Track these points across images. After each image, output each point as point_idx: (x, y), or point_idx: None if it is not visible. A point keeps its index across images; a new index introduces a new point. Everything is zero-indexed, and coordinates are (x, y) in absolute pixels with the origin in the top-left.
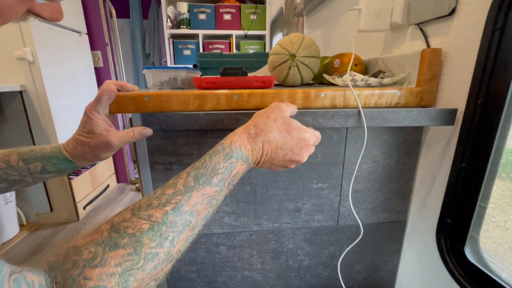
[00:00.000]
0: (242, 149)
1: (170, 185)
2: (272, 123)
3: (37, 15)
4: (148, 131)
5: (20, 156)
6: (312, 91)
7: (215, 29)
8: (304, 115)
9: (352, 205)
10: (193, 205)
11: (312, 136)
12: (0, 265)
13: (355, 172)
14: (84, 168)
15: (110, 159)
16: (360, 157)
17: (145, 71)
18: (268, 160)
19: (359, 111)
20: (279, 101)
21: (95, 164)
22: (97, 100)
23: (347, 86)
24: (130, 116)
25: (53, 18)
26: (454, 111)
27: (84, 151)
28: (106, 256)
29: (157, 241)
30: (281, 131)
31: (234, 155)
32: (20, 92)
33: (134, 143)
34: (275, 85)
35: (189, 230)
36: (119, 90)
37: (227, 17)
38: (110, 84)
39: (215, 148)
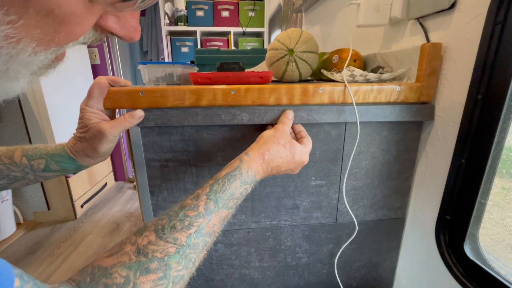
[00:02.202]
0: (256, 176)
1: (192, 206)
2: (282, 149)
3: (111, 33)
4: (139, 112)
5: (24, 152)
6: (310, 86)
7: (213, 26)
8: (299, 111)
9: (347, 202)
10: (211, 227)
11: (307, 156)
12: None
13: (348, 168)
14: None
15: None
16: (353, 152)
17: (140, 67)
18: (268, 175)
19: (353, 106)
20: (278, 98)
21: None
22: (89, 95)
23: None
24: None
25: (129, 36)
26: (432, 107)
27: (83, 146)
28: (138, 282)
29: (182, 264)
30: (288, 156)
31: (249, 181)
32: None
33: (129, 139)
34: (273, 81)
35: (206, 249)
36: (112, 86)
37: (225, 14)
38: (101, 78)
39: (232, 170)
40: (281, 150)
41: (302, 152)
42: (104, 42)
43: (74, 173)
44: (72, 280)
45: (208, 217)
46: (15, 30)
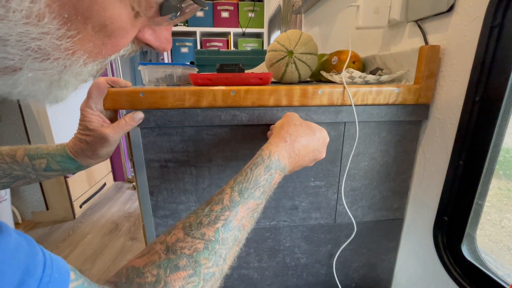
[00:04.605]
0: (280, 159)
1: (216, 201)
2: (300, 128)
3: (146, 44)
4: (139, 114)
5: (26, 152)
6: (310, 88)
7: (213, 26)
8: (298, 111)
9: (345, 203)
10: (240, 220)
11: (326, 132)
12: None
13: (347, 169)
14: None
15: None
16: (352, 153)
17: (140, 67)
18: (300, 165)
19: (351, 107)
20: (277, 99)
21: None
22: (88, 96)
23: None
24: (125, 113)
25: (162, 47)
26: (427, 106)
27: (82, 147)
28: (169, 279)
29: (212, 260)
30: (309, 134)
31: (273, 166)
32: None
33: (129, 140)
34: (273, 82)
35: (236, 245)
36: (112, 86)
37: (224, 14)
38: (99, 79)
39: (254, 160)
40: (300, 129)
41: (320, 128)
42: None
43: (74, 173)
44: (110, 282)
45: (235, 209)
46: (73, 43)
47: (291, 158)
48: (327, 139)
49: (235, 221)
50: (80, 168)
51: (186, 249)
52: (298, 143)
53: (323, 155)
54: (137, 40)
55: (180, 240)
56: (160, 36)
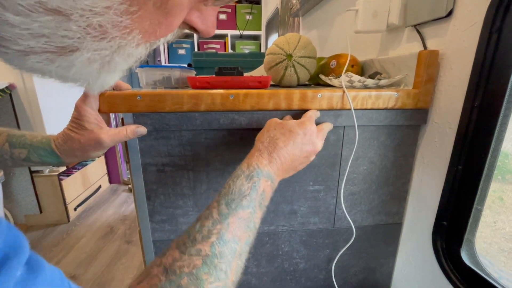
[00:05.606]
0: (260, 167)
1: (206, 216)
2: (273, 132)
3: (192, 27)
4: (142, 130)
5: (9, 138)
6: (309, 91)
7: None
8: (297, 115)
9: (345, 207)
10: (233, 232)
11: (309, 122)
12: None
13: (346, 173)
14: (74, 168)
15: (102, 159)
16: (351, 157)
17: (138, 70)
18: (290, 166)
19: (351, 111)
20: (276, 103)
21: (86, 164)
22: (86, 92)
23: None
24: (122, 116)
25: (207, 31)
26: (425, 111)
27: (73, 147)
28: None
29: (214, 275)
30: (284, 134)
31: (255, 174)
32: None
33: (126, 143)
34: (271, 85)
35: (237, 258)
36: (113, 89)
37: (222, 16)
38: None
39: (235, 173)
40: (273, 133)
41: (298, 123)
42: None
43: (65, 174)
44: None
45: (225, 221)
46: (132, 21)
47: (272, 163)
48: (310, 129)
49: (229, 233)
50: (61, 164)
51: (185, 268)
52: (272, 147)
53: (315, 146)
54: (183, 23)
55: (177, 260)
56: (206, 19)
